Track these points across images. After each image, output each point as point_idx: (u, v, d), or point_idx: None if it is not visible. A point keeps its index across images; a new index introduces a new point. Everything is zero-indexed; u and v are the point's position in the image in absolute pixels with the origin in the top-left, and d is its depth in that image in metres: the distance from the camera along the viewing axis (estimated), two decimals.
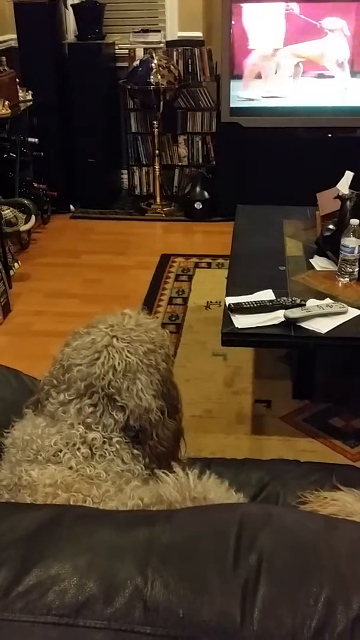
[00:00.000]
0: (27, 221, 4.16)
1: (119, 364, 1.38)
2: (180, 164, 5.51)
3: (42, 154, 4.90)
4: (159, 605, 0.63)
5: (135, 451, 1.39)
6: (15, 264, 4.20)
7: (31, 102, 4.84)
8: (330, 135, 4.78)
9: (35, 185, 4.82)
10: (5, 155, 4.52)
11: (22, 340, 3.40)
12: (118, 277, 4.21)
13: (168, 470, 1.36)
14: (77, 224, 5.19)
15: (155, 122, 5.15)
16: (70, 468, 1.29)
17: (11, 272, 4.06)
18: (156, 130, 5.19)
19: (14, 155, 4.52)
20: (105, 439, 1.35)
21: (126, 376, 1.38)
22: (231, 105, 4.84)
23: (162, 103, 5.01)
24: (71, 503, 1.22)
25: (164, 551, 0.68)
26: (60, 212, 5.24)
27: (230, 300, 2.56)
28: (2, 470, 1.36)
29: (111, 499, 1.25)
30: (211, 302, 3.80)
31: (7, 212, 4.04)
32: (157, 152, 5.27)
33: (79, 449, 1.32)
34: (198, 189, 5.21)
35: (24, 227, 4.15)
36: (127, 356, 1.39)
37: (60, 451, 1.32)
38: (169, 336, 1.54)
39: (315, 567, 0.66)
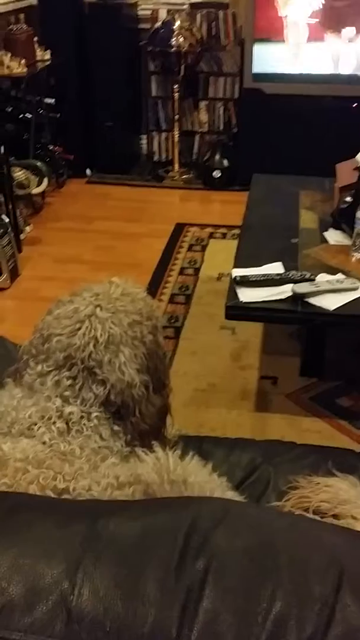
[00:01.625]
0: (39, 184, 4.07)
1: (101, 335, 1.30)
2: (200, 130, 5.36)
3: (58, 115, 4.78)
4: (85, 617, 0.56)
5: (116, 427, 1.32)
6: (27, 228, 4.13)
7: (49, 62, 4.71)
8: (355, 105, 4.59)
9: (51, 148, 4.71)
10: (20, 116, 4.41)
11: (28, 306, 3.34)
12: (130, 245, 4.12)
13: (150, 449, 1.29)
14: (92, 189, 5.09)
15: (176, 86, 4.99)
16: (44, 443, 1.23)
17: (22, 236, 4.00)
18: (177, 94, 5.04)
19: (30, 116, 4.41)
20: (83, 414, 1.28)
21: (108, 348, 1.30)
22: (254, 71, 4.65)
23: (183, 66, 4.85)
24: (41, 480, 1.15)
25: (101, 550, 0.61)
26: (76, 177, 5.13)
27: (237, 272, 2.46)
28: None
29: (84, 477, 1.18)
30: (223, 273, 3.69)
31: (19, 174, 3.96)
32: (177, 117, 5.13)
33: (54, 423, 1.25)
34: (217, 156, 5.07)
35: (35, 190, 4.06)
36: (110, 327, 1.31)
37: (35, 425, 1.25)
38: (159, 307, 1.45)
39: (268, 576, 0.58)
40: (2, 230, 3.48)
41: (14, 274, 3.61)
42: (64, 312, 1.35)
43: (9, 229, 3.56)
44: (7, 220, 3.57)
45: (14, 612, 0.57)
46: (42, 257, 3.93)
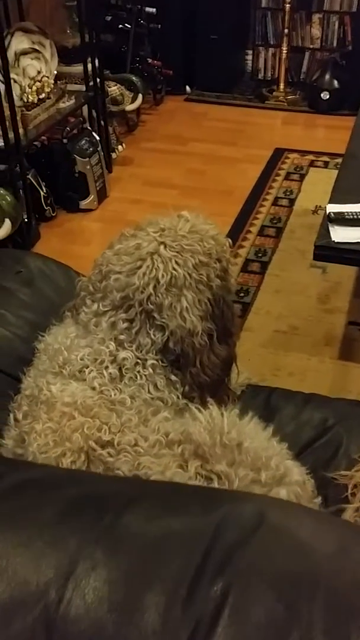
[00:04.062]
0: (133, 100, 3.88)
1: (162, 276, 1.18)
2: (311, 46, 4.94)
3: (159, 26, 4.50)
4: (67, 636, 0.47)
5: (173, 377, 1.22)
6: (119, 147, 4.00)
7: None
8: None
9: (150, 61, 4.47)
10: (119, 26, 4.19)
11: (114, 229, 3.24)
12: (224, 170, 3.90)
13: (210, 403, 1.18)
14: (190, 107, 4.84)
15: None
16: (94, 389, 1.15)
17: (113, 155, 3.87)
18: (288, 5, 4.61)
19: (129, 26, 4.18)
20: (138, 360, 1.18)
21: (170, 291, 1.18)
22: None
23: None
24: (85, 429, 1.08)
25: (100, 558, 0.51)
26: (175, 93, 4.89)
27: (332, 208, 2.23)
28: (28, 378, 1.24)
29: (131, 430, 1.09)
30: (320, 206, 3.42)
31: (114, 89, 3.79)
32: (286, 31, 4.71)
33: (106, 367, 1.17)
34: (327, 76, 4.65)
35: (129, 107, 3.89)
36: (173, 268, 1.19)
37: (87, 368, 1.17)
38: (229, 246, 1.30)
39: (297, 620, 0.46)
40: (91, 148, 3.36)
41: (102, 195, 3.52)
42: (125, 248, 1.24)
43: (99, 148, 3.44)
44: (97, 138, 3.44)
45: None
46: (132, 178, 3.80)
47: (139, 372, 1.18)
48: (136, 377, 1.18)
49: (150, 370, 1.18)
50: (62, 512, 0.60)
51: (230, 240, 1.31)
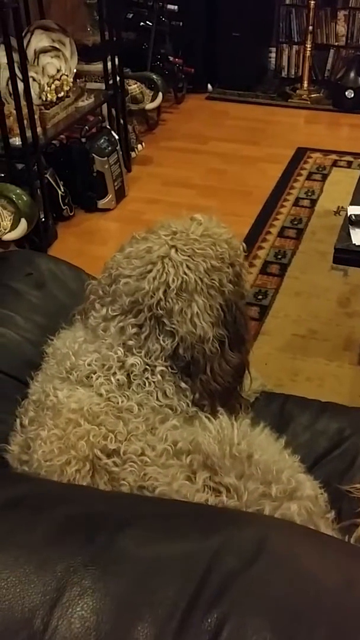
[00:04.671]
0: (153, 99, 3.85)
1: (173, 280, 1.15)
2: (336, 44, 4.87)
3: (181, 24, 4.46)
4: None
5: (183, 384, 1.18)
6: (139, 146, 3.97)
7: None
8: None
9: (171, 59, 4.44)
10: (141, 24, 4.16)
11: (132, 229, 3.21)
12: (244, 170, 3.86)
13: (220, 412, 1.14)
14: (212, 105, 4.80)
15: None
16: (101, 395, 1.12)
17: (133, 154, 3.85)
18: (313, 2, 4.54)
19: (150, 23, 4.15)
20: (147, 367, 1.15)
21: (180, 296, 1.15)
22: None
23: None
24: (91, 437, 1.05)
25: (89, 584, 0.48)
26: (196, 92, 4.85)
27: (354, 210, 2.19)
28: (35, 383, 1.21)
29: (138, 439, 1.06)
30: (342, 207, 3.35)
31: (134, 88, 3.76)
32: (311, 28, 4.65)
33: (114, 374, 1.14)
34: (352, 74, 4.58)
35: (149, 106, 3.85)
36: (184, 272, 1.15)
37: (94, 373, 1.14)
38: (243, 251, 1.26)
39: None
40: (110, 147, 3.34)
41: (121, 194, 3.49)
42: (135, 251, 1.20)
43: (118, 147, 3.41)
44: (116, 137, 3.42)
45: None
46: (151, 178, 3.77)
47: (147, 378, 1.15)
48: (144, 384, 1.14)
49: (159, 377, 1.15)
50: (52, 533, 0.57)
51: (244, 245, 1.27)
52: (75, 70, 3.30)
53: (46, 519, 0.60)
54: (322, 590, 0.49)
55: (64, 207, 3.24)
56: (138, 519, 0.61)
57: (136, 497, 0.83)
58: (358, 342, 2.51)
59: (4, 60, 2.69)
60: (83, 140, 3.27)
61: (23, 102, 2.75)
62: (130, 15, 4.11)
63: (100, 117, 3.47)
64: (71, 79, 3.21)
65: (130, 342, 1.15)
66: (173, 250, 1.16)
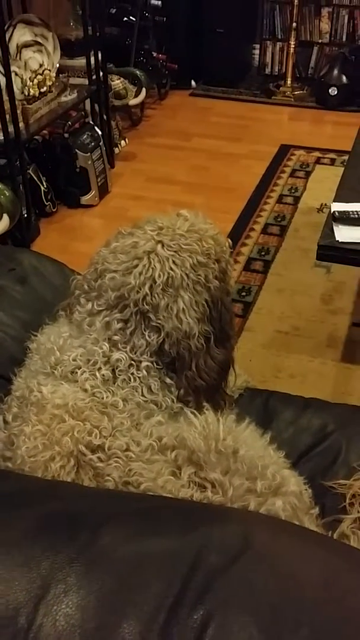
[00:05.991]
0: (137, 95, 3.83)
1: (159, 276, 1.14)
2: (320, 41, 4.88)
3: (165, 19, 4.45)
4: None
5: (168, 380, 1.18)
6: (122, 142, 3.95)
7: None
8: None
9: (155, 55, 4.42)
10: (124, 19, 4.14)
11: (114, 226, 3.20)
12: (227, 166, 3.86)
13: (206, 408, 1.14)
14: (195, 102, 4.79)
15: None
16: (85, 390, 1.11)
17: (116, 150, 3.83)
18: None
19: (134, 19, 4.13)
20: (132, 362, 1.15)
21: (166, 292, 1.15)
22: None
23: None
24: (75, 433, 1.05)
25: (73, 581, 0.48)
26: (180, 88, 4.84)
27: (337, 207, 2.19)
28: (19, 379, 1.20)
29: (123, 435, 1.06)
30: (325, 204, 3.38)
31: (117, 83, 3.74)
32: (295, 25, 4.65)
33: (99, 369, 1.13)
34: (336, 71, 4.59)
35: (132, 101, 3.84)
36: (171, 268, 1.15)
37: (79, 369, 1.14)
38: (229, 247, 1.26)
39: None
40: (93, 143, 3.32)
41: (104, 190, 3.47)
42: (121, 246, 1.20)
43: (101, 142, 3.40)
44: (99, 132, 3.40)
45: None
46: (135, 174, 3.75)
47: (132, 374, 1.14)
48: (130, 380, 1.14)
49: (145, 372, 1.15)
50: (34, 530, 0.56)
51: (230, 241, 1.27)
52: (58, 65, 3.27)
53: (28, 516, 0.59)
54: (305, 586, 0.49)
55: (46, 203, 3.22)
56: (122, 516, 0.61)
57: (119, 494, 0.82)
58: (341, 338, 2.53)
59: None
60: (66, 135, 3.24)
61: (5, 97, 2.73)
62: (114, 10, 4.09)
63: (83, 113, 3.45)
64: (54, 74, 3.19)
65: (116, 337, 1.15)
66: (159, 246, 1.16)
